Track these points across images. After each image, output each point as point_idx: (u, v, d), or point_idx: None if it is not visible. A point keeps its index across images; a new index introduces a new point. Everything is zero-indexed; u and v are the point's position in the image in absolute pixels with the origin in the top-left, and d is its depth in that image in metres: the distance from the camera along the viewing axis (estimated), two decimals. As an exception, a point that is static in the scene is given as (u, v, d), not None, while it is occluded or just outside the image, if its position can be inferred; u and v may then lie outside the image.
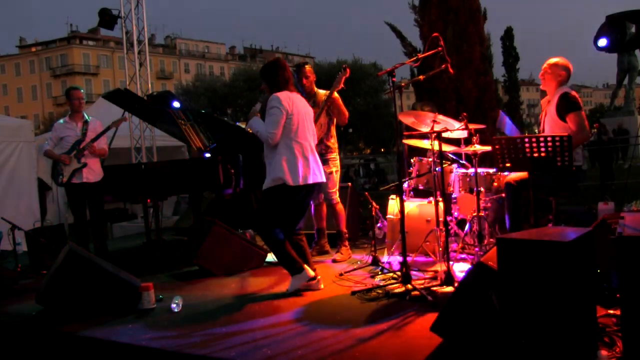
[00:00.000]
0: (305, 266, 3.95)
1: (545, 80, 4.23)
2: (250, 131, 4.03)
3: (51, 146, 5.49)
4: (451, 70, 4.19)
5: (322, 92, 5.01)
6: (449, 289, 3.69)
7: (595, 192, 8.61)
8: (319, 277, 4.04)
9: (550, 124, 4.12)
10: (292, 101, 3.93)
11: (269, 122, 3.88)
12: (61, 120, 5.64)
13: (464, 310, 2.61)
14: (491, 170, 4.61)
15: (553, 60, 4.22)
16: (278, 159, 3.88)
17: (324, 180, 4.19)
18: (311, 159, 3.97)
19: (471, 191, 4.56)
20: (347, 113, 5.02)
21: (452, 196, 4.83)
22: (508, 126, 4.84)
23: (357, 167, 20.30)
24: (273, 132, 3.85)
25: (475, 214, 4.34)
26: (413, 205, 4.76)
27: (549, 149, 3.45)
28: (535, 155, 3.49)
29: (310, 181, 3.93)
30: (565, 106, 4.02)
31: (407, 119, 4.31)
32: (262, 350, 2.84)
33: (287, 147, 3.89)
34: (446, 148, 4.59)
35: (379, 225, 5.48)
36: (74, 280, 3.70)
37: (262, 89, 4.12)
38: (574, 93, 4.09)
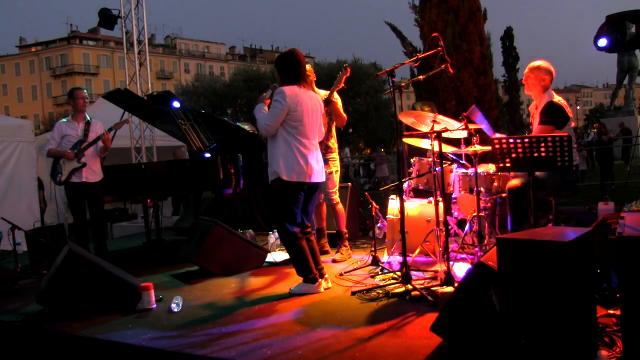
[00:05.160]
0: (320, 280, 3.94)
1: (529, 84, 4.15)
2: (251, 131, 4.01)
3: (53, 145, 5.51)
4: (451, 70, 4.18)
5: (322, 93, 5.00)
6: (449, 289, 3.68)
7: (595, 192, 8.61)
8: (326, 275, 4.04)
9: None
10: (298, 97, 3.84)
11: (268, 114, 3.86)
12: (63, 120, 5.67)
13: (464, 310, 2.61)
14: (491, 170, 4.61)
15: (535, 63, 4.12)
16: (275, 152, 3.87)
17: (324, 180, 4.16)
18: (311, 158, 3.89)
19: (471, 191, 4.56)
20: (345, 116, 5.00)
21: (452, 196, 4.83)
22: (479, 117, 4.65)
23: (357, 167, 20.31)
24: (269, 124, 3.82)
25: (475, 214, 4.35)
26: (413, 205, 4.76)
27: (549, 149, 3.45)
28: (535, 155, 3.49)
29: (308, 180, 3.87)
30: (546, 115, 3.96)
31: (407, 119, 4.31)
32: (262, 350, 2.84)
33: (286, 142, 3.84)
34: (446, 148, 4.58)
35: (379, 225, 5.48)
36: (74, 281, 3.70)
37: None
38: (561, 103, 3.99)
